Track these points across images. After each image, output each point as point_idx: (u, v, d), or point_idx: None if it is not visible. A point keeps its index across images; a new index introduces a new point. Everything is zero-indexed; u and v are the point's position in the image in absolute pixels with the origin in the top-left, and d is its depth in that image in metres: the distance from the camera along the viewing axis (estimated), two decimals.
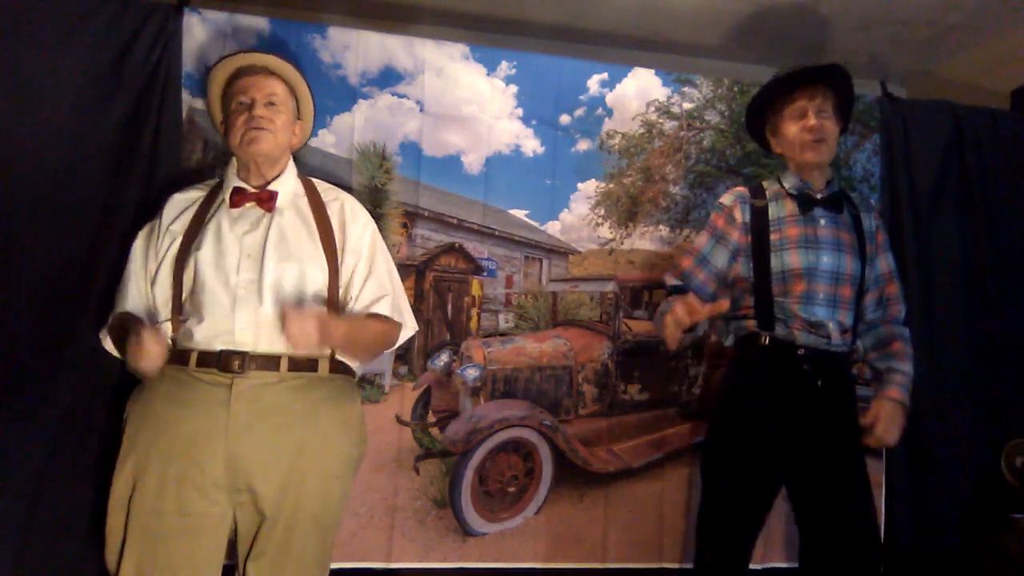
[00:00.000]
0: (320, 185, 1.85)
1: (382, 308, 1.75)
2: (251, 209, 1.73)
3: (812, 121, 1.87)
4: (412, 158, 2.28)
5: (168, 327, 1.67)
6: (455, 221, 2.31)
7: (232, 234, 1.69)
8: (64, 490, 1.89)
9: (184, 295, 1.67)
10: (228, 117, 1.77)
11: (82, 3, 2.02)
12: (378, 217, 2.23)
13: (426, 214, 2.29)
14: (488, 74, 2.34)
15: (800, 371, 1.85)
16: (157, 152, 2.04)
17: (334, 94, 2.23)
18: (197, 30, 2.12)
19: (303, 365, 1.66)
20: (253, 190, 1.74)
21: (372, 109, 2.26)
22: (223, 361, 1.60)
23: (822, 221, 1.91)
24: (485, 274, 2.34)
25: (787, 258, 1.88)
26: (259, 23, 2.19)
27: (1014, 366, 2.51)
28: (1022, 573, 2.26)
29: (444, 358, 2.28)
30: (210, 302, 1.63)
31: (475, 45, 2.37)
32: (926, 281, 2.47)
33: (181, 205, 1.77)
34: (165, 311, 1.69)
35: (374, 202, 2.23)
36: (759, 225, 1.93)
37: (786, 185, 1.96)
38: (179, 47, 2.09)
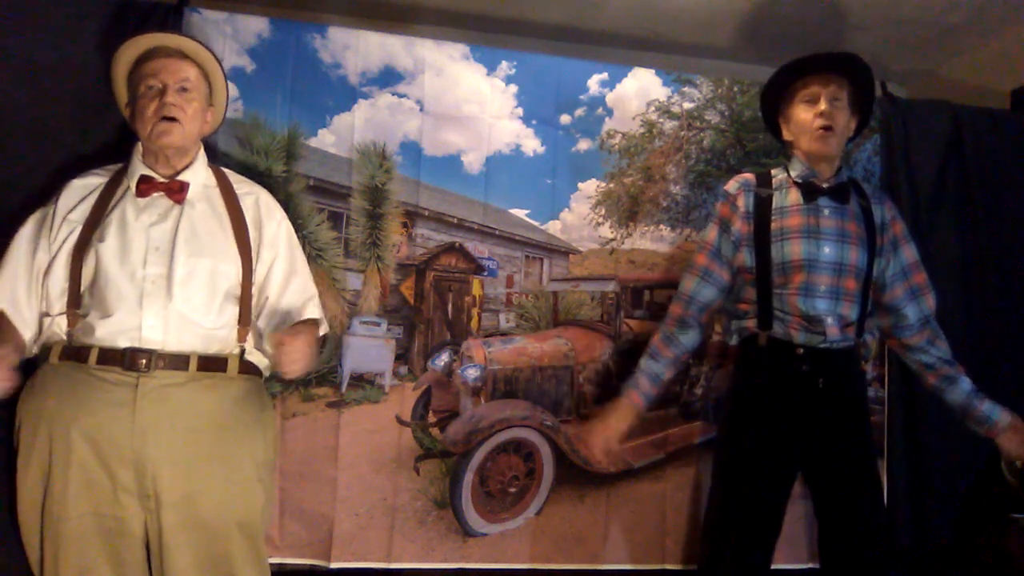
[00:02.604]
0: (232, 176, 1.77)
1: (313, 312, 1.70)
2: (159, 199, 1.63)
3: (823, 107, 1.83)
4: (412, 158, 2.27)
5: (62, 321, 1.57)
6: (455, 220, 2.31)
7: (138, 224, 1.59)
8: None
9: (83, 288, 1.56)
10: (136, 101, 1.64)
11: (82, 3, 2.01)
12: (378, 216, 2.23)
13: (426, 213, 2.28)
14: (488, 74, 2.34)
15: (799, 372, 1.82)
16: None
17: (334, 94, 2.22)
18: (197, 30, 2.11)
19: (213, 365, 1.59)
20: (162, 179, 1.64)
21: (372, 109, 2.25)
22: (129, 359, 1.51)
23: (826, 211, 1.86)
24: (486, 274, 2.33)
25: (787, 248, 1.84)
26: (259, 23, 2.19)
27: (1014, 366, 2.50)
28: (1022, 573, 2.26)
29: (444, 358, 2.28)
30: (115, 296, 1.53)
31: (475, 45, 2.37)
32: None
33: (80, 192, 1.65)
34: (60, 304, 1.58)
35: (374, 202, 2.23)
36: (761, 214, 1.89)
37: (792, 173, 1.92)
38: None
